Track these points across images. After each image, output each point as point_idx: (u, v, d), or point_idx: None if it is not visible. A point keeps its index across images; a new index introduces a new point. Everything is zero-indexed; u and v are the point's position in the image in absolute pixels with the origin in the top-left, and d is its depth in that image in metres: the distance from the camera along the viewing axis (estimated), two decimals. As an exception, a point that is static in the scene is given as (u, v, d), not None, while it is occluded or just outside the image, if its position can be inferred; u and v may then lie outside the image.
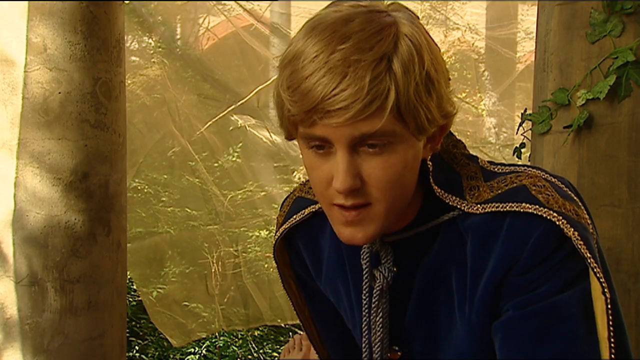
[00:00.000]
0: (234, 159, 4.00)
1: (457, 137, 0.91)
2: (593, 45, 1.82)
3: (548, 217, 0.79)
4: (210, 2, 3.98)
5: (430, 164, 0.85)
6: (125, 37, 3.13)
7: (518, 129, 2.14)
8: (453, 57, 4.34)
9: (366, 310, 0.91)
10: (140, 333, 4.50)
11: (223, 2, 3.93)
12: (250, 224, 4.03)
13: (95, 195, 2.20)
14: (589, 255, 0.79)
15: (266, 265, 3.93)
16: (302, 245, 1.02)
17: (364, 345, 0.93)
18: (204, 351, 4.55)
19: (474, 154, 0.92)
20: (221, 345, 4.58)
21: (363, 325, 0.92)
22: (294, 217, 1.01)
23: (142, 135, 3.83)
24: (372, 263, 0.90)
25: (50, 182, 2.14)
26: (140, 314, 4.62)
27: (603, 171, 1.83)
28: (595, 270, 0.79)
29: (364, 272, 0.90)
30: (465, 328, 0.86)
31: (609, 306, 0.79)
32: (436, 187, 0.85)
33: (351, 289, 0.96)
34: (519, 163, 0.93)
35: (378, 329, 0.90)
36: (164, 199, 4.01)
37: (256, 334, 4.75)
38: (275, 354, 4.65)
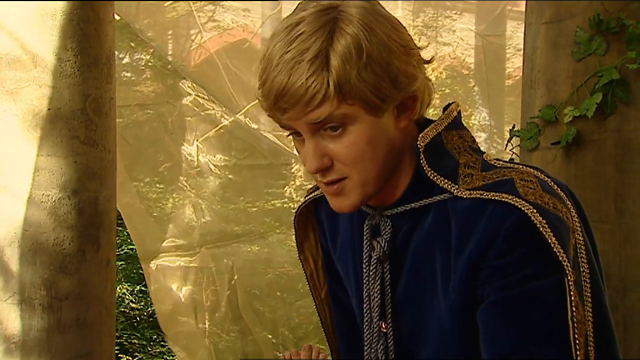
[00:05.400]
0: (225, 174, 4.01)
1: (469, 132, 0.98)
2: (579, 63, 1.84)
3: (520, 207, 0.85)
4: (202, 19, 4.00)
5: (423, 146, 0.92)
6: (118, 54, 3.14)
7: (507, 145, 2.15)
8: (444, 73, 4.38)
9: (365, 279, 0.99)
10: (130, 349, 4.47)
11: (215, 18, 3.94)
12: (242, 240, 4.02)
13: (84, 212, 2.20)
14: (554, 240, 0.84)
15: (256, 279, 3.91)
16: (324, 217, 1.11)
17: (365, 313, 1.00)
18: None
19: None
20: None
21: (364, 294, 0.99)
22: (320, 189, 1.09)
23: (134, 151, 3.82)
24: (372, 234, 0.98)
25: (39, 198, 2.13)
26: (130, 329, 4.59)
27: (590, 187, 1.84)
28: (559, 253, 0.84)
29: (365, 242, 0.99)
30: (446, 305, 0.91)
31: (571, 289, 0.84)
32: (428, 168, 0.92)
33: (357, 261, 1.03)
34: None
35: (377, 296, 0.97)
36: (155, 214, 3.99)
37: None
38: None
